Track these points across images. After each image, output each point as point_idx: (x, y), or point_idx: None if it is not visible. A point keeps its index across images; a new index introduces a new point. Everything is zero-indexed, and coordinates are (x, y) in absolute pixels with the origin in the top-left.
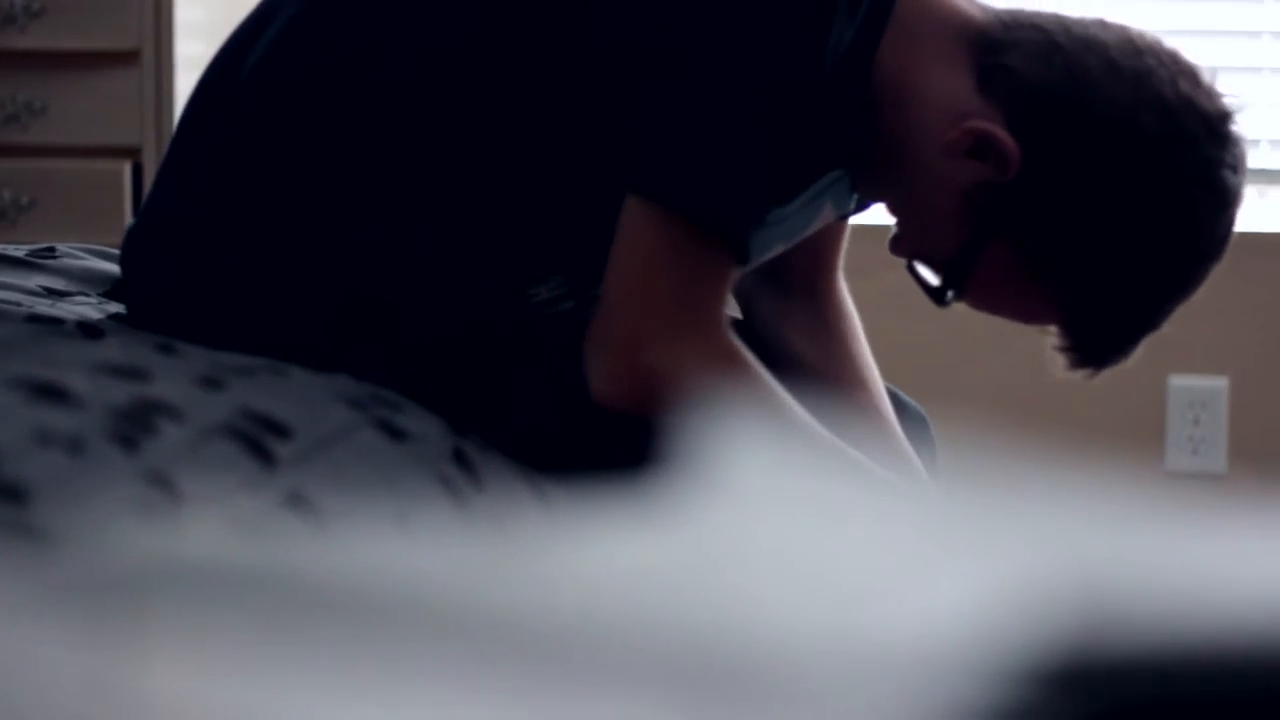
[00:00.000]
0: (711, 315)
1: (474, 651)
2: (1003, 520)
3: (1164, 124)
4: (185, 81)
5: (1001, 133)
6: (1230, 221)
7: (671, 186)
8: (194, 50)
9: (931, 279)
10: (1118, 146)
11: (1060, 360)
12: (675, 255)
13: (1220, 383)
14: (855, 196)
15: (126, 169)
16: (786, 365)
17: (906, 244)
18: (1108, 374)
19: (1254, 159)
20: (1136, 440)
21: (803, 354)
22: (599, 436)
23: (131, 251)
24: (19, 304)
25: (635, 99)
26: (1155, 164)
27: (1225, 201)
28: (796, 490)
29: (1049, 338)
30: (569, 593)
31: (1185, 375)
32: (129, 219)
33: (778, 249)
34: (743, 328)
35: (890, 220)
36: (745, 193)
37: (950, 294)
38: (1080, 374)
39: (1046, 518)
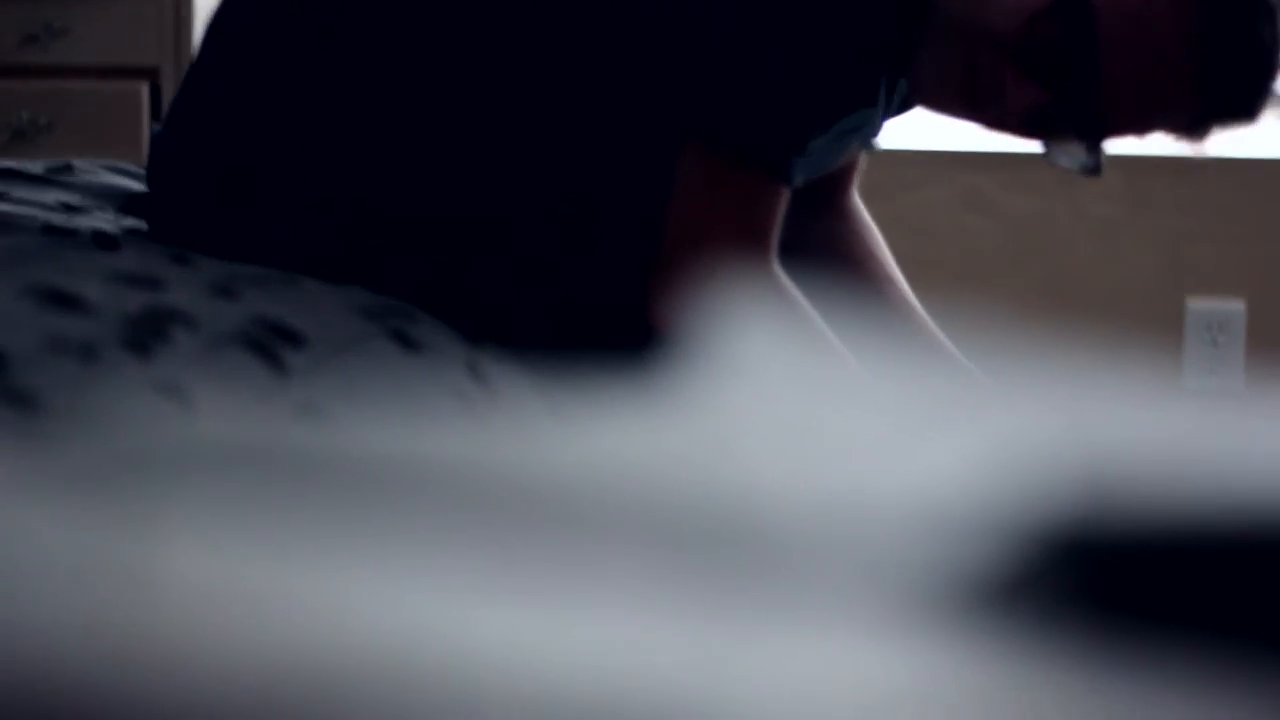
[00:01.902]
0: (761, 241)
1: (478, 523)
2: (1013, 400)
3: None
4: (204, 2)
5: None
6: None
7: (717, 124)
8: None
9: (1069, 158)
10: None
11: (1192, 136)
12: (724, 187)
13: (1238, 305)
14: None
15: (145, 90)
16: (811, 270)
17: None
18: (1126, 297)
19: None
20: (1154, 362)
21: (826, 259)
22: (613, 350)
23: (156, 163)
24: (35, 218)
25: (662, 23)
26: None
27: None
28: (804, 370)
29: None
30: (571, 464)
31: (1203, 298)
32: (147, 140)
33: (799, 180)
34: None
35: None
36: (788, 125)
37: (1086, 75)
38: (1202, 142)
39: (1058, 401)
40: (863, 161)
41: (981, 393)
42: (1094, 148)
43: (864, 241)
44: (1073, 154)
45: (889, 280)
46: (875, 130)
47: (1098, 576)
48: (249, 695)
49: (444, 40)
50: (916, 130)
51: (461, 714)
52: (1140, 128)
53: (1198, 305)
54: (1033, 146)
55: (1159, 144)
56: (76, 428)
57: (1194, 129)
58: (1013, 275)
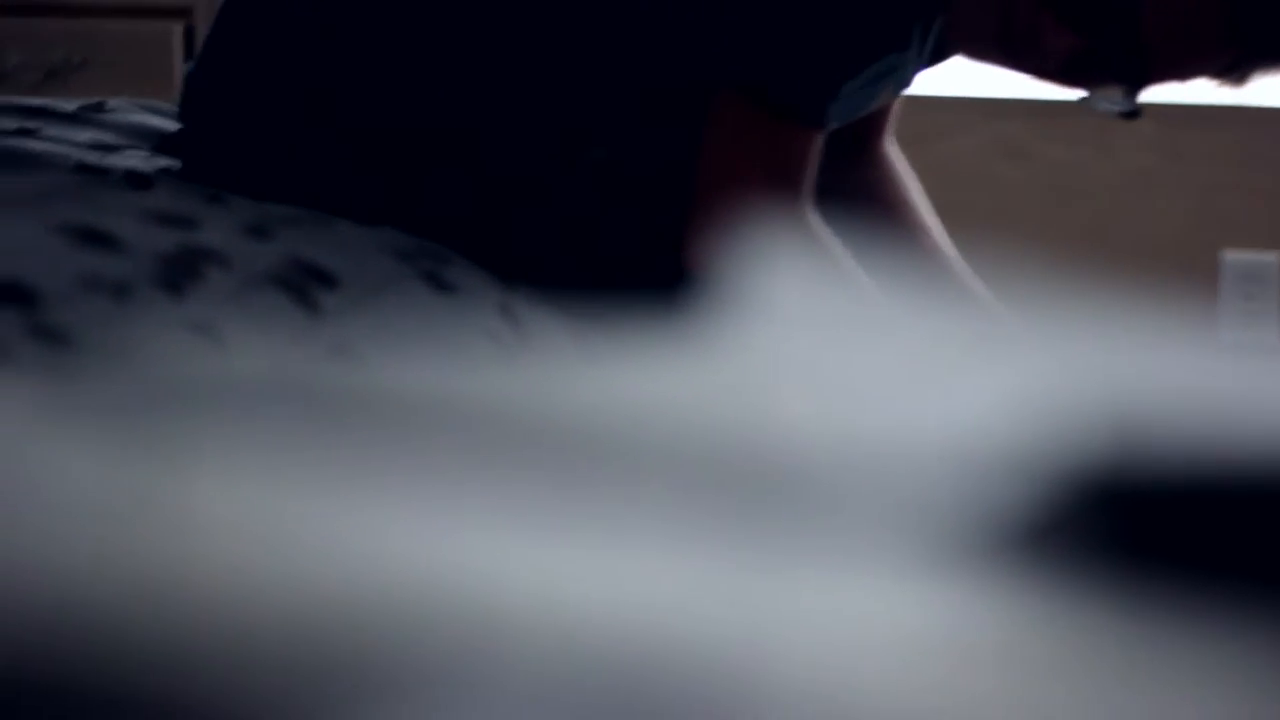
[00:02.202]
0: (794, 187)
1: (510, 462)
2: (1045, 344)
3: None
4: None
5: None
6: None
7: (749, 71)
8: None
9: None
10: None
11: (1231, 81)
12: (757, 134)
13: (1272, 258)
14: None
15: (179, 29)
16: (844, 216)
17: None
18: (1160, 248)
19: None
20: (1189, 314)
21: (859, 205)
22: (647, 294)
23: (189, 101)
24: (68, 156)
25: None
26: None
27: None
28: (835, 313)
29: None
30: (602, 405)
31: (1238, 250)
32: (180, 80)
33: (832, 125)
34: None
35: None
36: (821, 70)
37: (1132, 45)
38: (1242, 86)
39: (1090, 347)
40: (897, 107)
41: (1012, 336)
42: (1133, 93)
43: (898, 188)
44: (1111, 100)
45: (922, 227)
46: (910, 76)
47: (1127, 521)
48: (278, 631)
49: None
50: (949, 77)
51: (493, 651)
52: (1179, 73)
53: (1233, 257)
54: (1066, 94)
55: (1195, 93)
56: (109, 365)
57: (1233, 74)
58: (1045, 225)
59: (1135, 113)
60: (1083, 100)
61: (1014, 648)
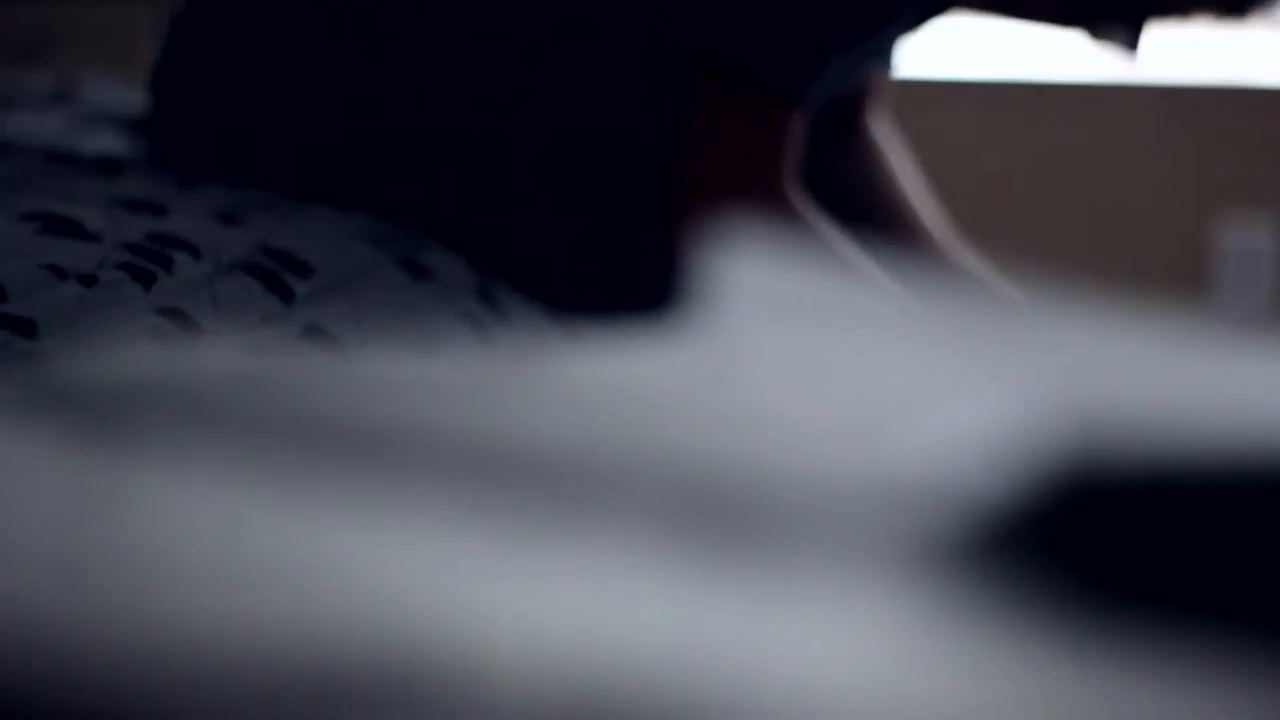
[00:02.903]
0: (779, 173)
1: (476, 477)
2: (1025, 340)
3: None
4: None
5: None
6: None
7: (731, 54)
8: None
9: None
10: None
11: (1233, 15)
12: (740, 120)
13: (1267, 228)
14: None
15: (145, 11)
16: (830, 192)
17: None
18: (1154, 221)
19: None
20: (1181, 287)
21: (844, 181)
22: (627, 278)
23: (159, 83)
24: (38, 141)
25: None
26: None
27: None
28: (809, 315)
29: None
30: (574, 418)
31: (1231, 223)
32: (147, 65)
33: (816, 100)
34: None
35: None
36: (804, 51)
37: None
38: (1244, 20)
39: (1067, 343)
40: (883, 81)
41: (993, 330)
42: (1135, 28)
43: (883, 162)
44: (1114, 37)
45: (905, 202)
46: (893, 47)
47: (1090, 536)
48: (242, 648)
49: None
50: (937, 57)
51: (467, 677)
52: (1179, 8)
53: (1225, 229)
54: (1056, 75)
55: (1188, 71)
56: (76, 355)
57: (1233, 9)
58: (1041, 199)
59: (1136, 49)
60: (1090, 37)
61: (978, 667)
